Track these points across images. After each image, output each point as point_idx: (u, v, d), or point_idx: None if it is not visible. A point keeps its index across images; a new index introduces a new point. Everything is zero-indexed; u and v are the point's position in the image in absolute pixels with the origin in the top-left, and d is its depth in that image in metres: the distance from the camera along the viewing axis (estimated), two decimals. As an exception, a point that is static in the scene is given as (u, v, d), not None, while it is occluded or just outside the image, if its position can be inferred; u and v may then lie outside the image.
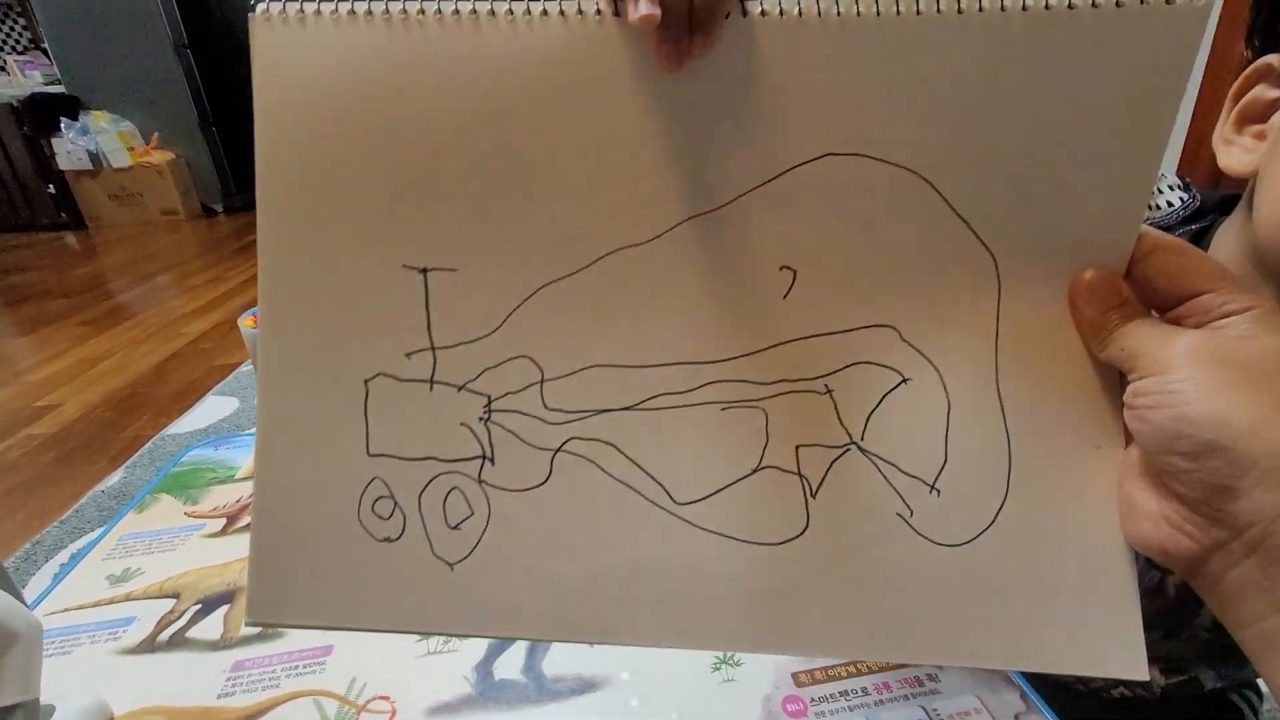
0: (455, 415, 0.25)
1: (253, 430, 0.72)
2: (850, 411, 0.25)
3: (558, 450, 0.25)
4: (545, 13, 0.22)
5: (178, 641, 0.41)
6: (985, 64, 0.21)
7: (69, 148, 3.09)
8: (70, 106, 3.20)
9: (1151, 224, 0.39)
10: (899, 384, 0.24)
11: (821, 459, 0.25)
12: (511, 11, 0.22)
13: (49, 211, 3.23)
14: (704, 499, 0.25)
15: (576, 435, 0.25)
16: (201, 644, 0.41)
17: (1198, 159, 1.53)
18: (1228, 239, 0.35)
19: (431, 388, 0.25)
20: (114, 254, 2.74)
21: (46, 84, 3.30)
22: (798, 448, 0.25)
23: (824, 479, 0.25)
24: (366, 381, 0.25)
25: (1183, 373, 0.20)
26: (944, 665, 0.38)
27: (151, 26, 3.17)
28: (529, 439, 0.25)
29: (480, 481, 0.26)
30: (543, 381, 0.25)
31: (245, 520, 0.52)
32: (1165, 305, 0.22)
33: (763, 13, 0.21)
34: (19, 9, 3.67)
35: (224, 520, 0.52)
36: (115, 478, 1.06)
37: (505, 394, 0.25)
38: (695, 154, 0.23)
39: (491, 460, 0.25)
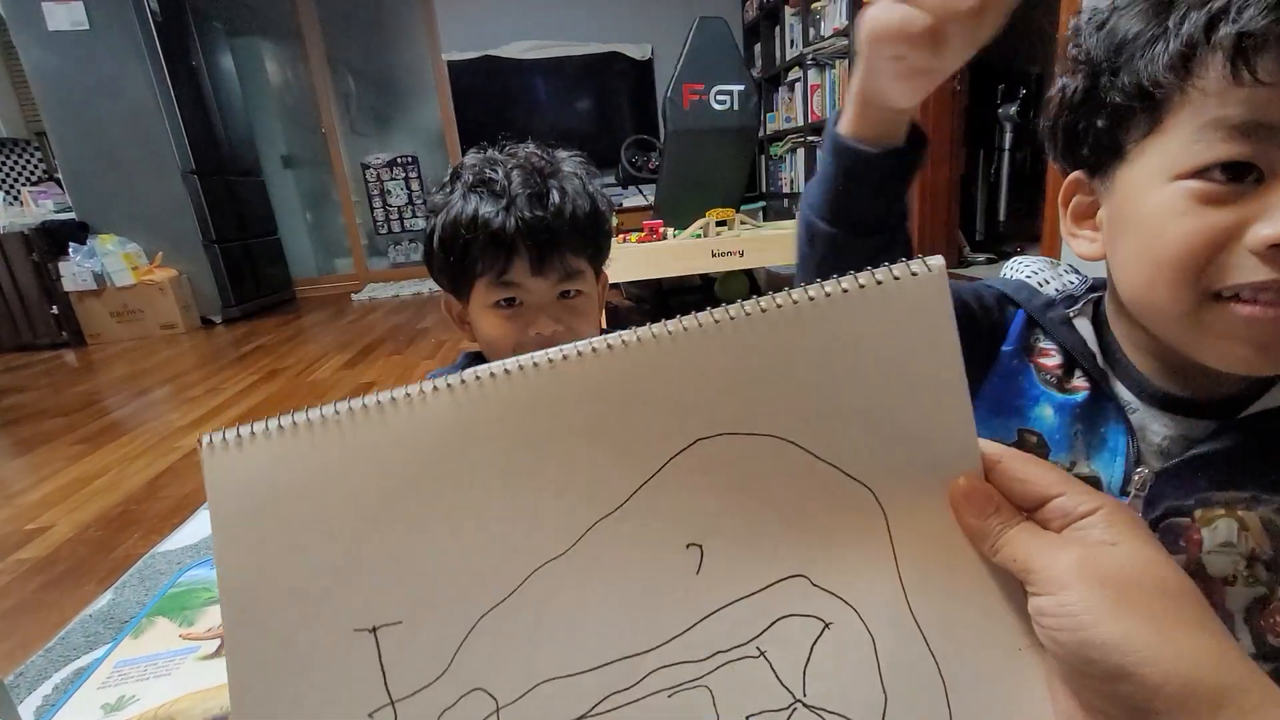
0: None
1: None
2: (786, 669, 0.26)
3: None
4: (435, 389, 0.25)
5: (171, 771, 0.41)
6: (801, 341, 0.24)
7: (75, 270, 3.20)
8: (79, 232, 3.34)
9: (1065, 294, 0.47)
10: (823, 630, 0.25)
11: None
12: (409, 394, 0.25)
13: (50, 331, 3.30)
14: None
15: None
16: (194, 772, 0.41)
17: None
18: (1113, 302, 0.43)
19: None
20: (112, 370, 2.78)
21: (58, 211, 3.46)
22: (748, 718, 0.26)
23: None
24: None
25: (1076, 593, 0.21)
26: None
27: (161, 156, 3.38)
28: None
29: None
30: (499, 710, 0.26)
31: (240, 639, 0.53)
32: (1027, 508, 0.25)
33: (609, 346, 0.25)
34: (36, 144, 3.90)
35: (219, 641, 0.53)
36: (104, 600, 1.04)
37: None
38: (585, 468, 0.26)
39: None
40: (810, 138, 3.57)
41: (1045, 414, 0.44)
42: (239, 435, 0.26)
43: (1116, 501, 0.24)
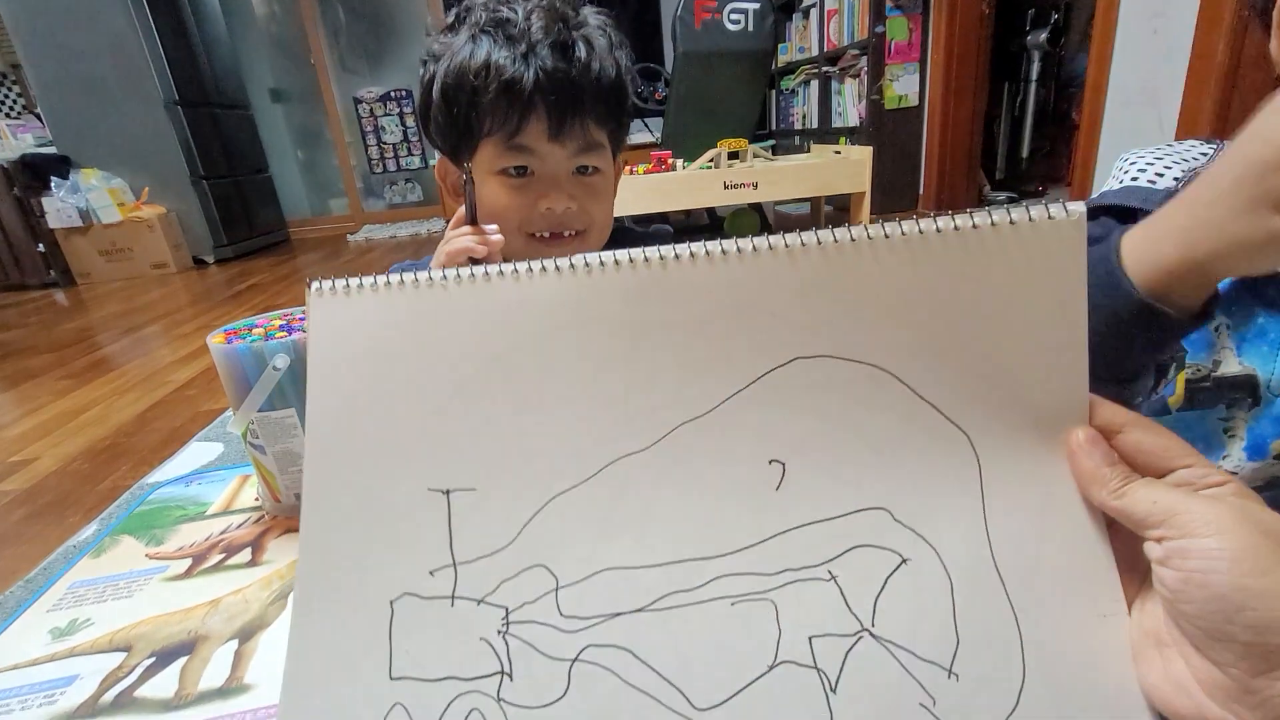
0: (475, 630, 0.26)
1: (232, 465, 0.65)
2: (857, 597, 0.25)
3: (575, 660, 0.25)
4: (544, 269, 0.25)
5: (124, 702, 0.36)
6: (921, 274, 0.23)
7: (59, 206, 3.08)
8: (61, 166, 3.20)
9: (1194, 171, 0.39)
10: (899, 564, 0.25)
11: (836, 649, 0.25)
12: (516, 270, 0.25)
13: (38, 271, 3.20)
14: (724, 703, 0.25)
15: (592, 643, 0.26)
16: (152, 704, 0.35)
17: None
18: None
19: (453, 603, 0.26)
20: (103, 309, 2.70)
21: (38, 145, 3.31)
22: (811, 639, 0.25)
23: (841, 671, 0.25)
24: (392, 602, 0.26)
25: (1236, 539, 0.20)
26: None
27: (142, 85, 3.20)
28: (546, 650, 0.26)
29: (499, 700, 0.25)
30: (558, 589, 0.26)
31: (213, 560, 0.47)
32: (1152, 475, 0.23)
33: (723, 251, 0.24)
34: (13, 78, 3.73)
35: (189, 561, 0.47)
36: (88, 531, 0.99)
37: (522, 604, 0.26)
38: (678, 369, 0.25)
39: (510, 675, 0.26)
40: (825, 68, 3.38)
41: None
42: (347, 285, 0.27)
43: (1242, 482, 0.22)
